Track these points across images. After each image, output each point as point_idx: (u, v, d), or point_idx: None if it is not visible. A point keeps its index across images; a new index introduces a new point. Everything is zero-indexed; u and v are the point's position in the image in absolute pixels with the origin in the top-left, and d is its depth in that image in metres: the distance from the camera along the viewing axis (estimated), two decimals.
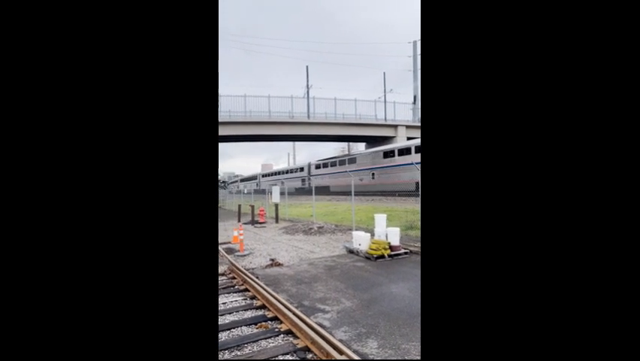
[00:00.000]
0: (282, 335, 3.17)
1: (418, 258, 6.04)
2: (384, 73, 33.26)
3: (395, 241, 6.34)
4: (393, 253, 6.14)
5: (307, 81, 31.09)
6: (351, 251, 6.74)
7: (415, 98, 31.95)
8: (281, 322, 3.42)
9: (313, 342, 2.83)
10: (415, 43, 33.04)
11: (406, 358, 2.62)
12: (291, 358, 2.78)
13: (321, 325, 3.28)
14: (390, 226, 6.87)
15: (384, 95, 31.39)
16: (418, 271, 5.14)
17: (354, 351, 2.76)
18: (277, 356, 2.78)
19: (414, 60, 33.00)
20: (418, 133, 28.65)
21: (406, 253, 6.31)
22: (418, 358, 2.65)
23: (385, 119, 30.02)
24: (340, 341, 2.93)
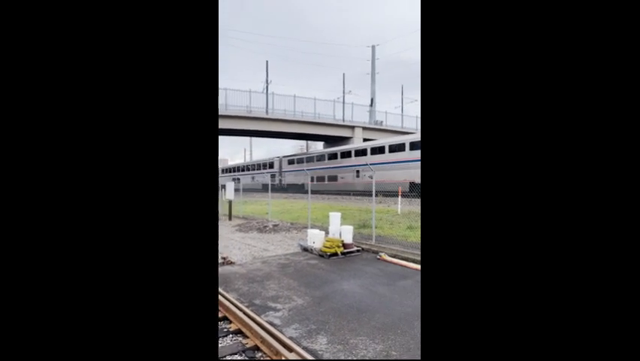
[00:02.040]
0: (230, 335, 3.09)
1: (370, 255, 6.26)
2: (343, 74, 33.88)
3: (348, 239, 6.51)
4: (346, 250, 6.29)
5: (267, 76, 30.60)
6: (305, 249, 6.78)
7: (372, 100, 32.97)
8: (230, 322, 3.33)
9: (263, 341, 2.80)
10: (373, 47, 34.07)
11: (404, 358, 2.65)
12: (239, 358, 2.73)
13: (271, 323, 3.26)
14: (345, 224, 7.03)
15: (343, 96, 31.99)
16: (369, 268, 5.34)
17: (304, 348, 2.79)
18: (225, 356, 2.71)
19: (372, 64, 34.02)
20: (374, 135, 29.65)
21: (358, 250, 6.51)
22: (376, 352, 2.75)
23: (343, 119, 30.60)
24: (290, 338, 2.94)
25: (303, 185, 27.17)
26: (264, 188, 29.46)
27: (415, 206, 13.11)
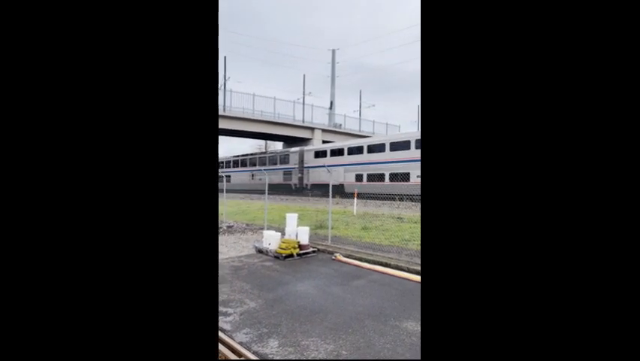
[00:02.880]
0: None
1: (325, 256, 6.32)
2: (303, 75, 33.98)
3: (304, 239, 6.50)
4: (302, 251, 6.28)
5: (225, 72, 29.63)
6: (260, 251, 6.65)
7: (331, 103, 33.46)
8: None
9: None
10: (333, 51, 34.64)
11: (402, 359, 2.65)
12: None
13: (221, 329, 3.14)
14: (302, 225, 7.02)
15: (303, 97, 32.06)
16: (325, 269, 5.38)
17: (254, 352, 2.72)
18: None
19: (332, 67, 34.56)
20: (332, 137, 30.10)
21: (314, 251, 6.53)
22: (336, 353, 2.76)
23: (303, 120, 30.67)
24: (240, 343, 2.85)
25: (341, 186, 19.86)
26: (274, 188, 23.97)
27: (370, 207, 13.51)
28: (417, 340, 2.96)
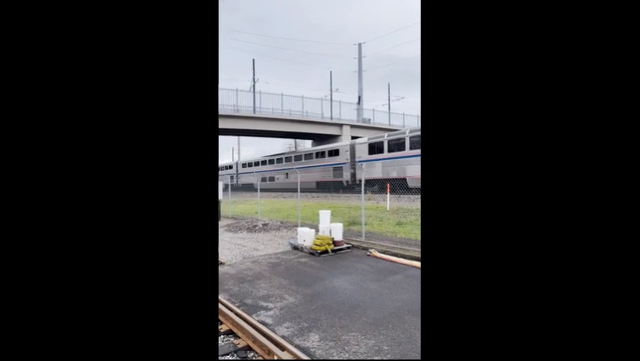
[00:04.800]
0: (222, 336, 3.07)
1: (360, 252, 6.30)
2: (330, 72, 33.91)
3: (338, 236, 6.53)
4: (336, 248, 6.32)
5: (253, 75, 30.31)
6: (295, 247, 6.78)
7: (359, 98, 33.11)
8: (221, 323, 3.30)
9: (255, 340, 2.79)
10: (359, 45, 34.18)
11: (404, 359, 2.65)
12: (231, 358, 2.71)
13: (263, 322, 3.25)
14: (335, 221, 7.05)
15: (331, 94, 32.00)
16: (360, 265, 5.37)
17: (296, 346, 2.79)
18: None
19: (359, 62, 34.14)
20: (361, 132, 29.80)
21: (348, 247, 6.54)
22: (389, 352, 2.77)
23: (331, 117, 30.64)
24: (282, 336, 2.93)
25: (403, 180, 17.13)
26: (323, 186, 22.21)
27: (403, 202, 13.25)
28: None
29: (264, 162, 32.51)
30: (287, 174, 27.34)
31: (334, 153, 23.36)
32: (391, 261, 5.54)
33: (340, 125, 30.12)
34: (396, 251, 5.95)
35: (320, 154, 24.95)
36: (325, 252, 6.16)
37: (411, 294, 3.98)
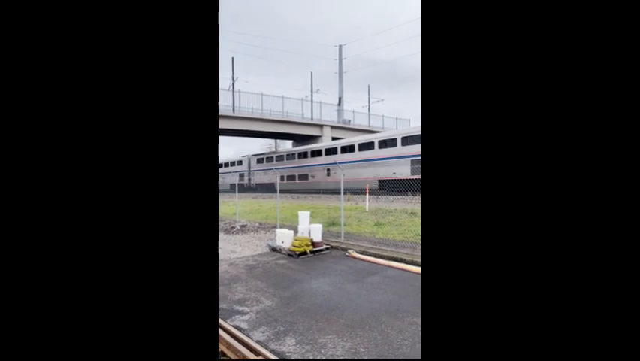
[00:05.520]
0: None
1: (339, 253, 6.29)
2: (311, 73, 33.87)
3: (317, 237, 6.50)
4: (315, 249, 6.28)
5: (232, 73, 29.81)
6: (274, 249, 6.68)
7: (339, 99, 33.29)
8: None
9: (228, 346, 2.70)
10: (340, 47, 34.40)
11: (402, 359, 2.63)
12: None
13: (238, 327, 3.15)
14: (314, 222, 7.01)
15: (312, 95, 32.00)
16: (338, 266, 5.36)
17: (272, 351, 2.72)
18: None
19: (339, 63, 34.35)
20: (342, 134, 29.98)
21: (327, 248, 6.52)
22: (358, 352, 2.74)
23: (312, 118, 30.63)
24: (257, 341, 2.86)
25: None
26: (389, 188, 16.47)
27: (382, 203, 13.42)
28: None
29: (291, 156, 26.06)
30: (328, 170, 20.82)
31: (391, 143, 18.33)
32: (369, 261, 5.56)
33: (321, 126, 30.18)
34: (374, 252, 5.98)
35: (383, 143, 18.82)
36: (304, 253, 6.11)
37: (388, 295, 4.00)
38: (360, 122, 33.76)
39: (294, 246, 6.23)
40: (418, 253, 5.69)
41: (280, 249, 6.47)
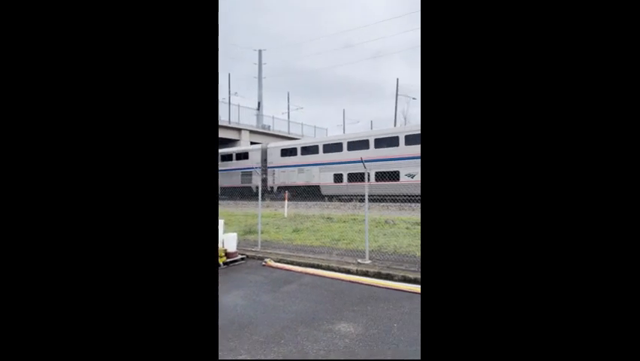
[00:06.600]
0: None
1: (255, 262, 6.01)
2: (229, 74, 32.58)
3: (232, 247, 6.10)
4: (229, 260, 5.88)
5: None
6: None
7: (259, 104, 32.79)
8: None
9: None
10: (260, 51, 34.04)
11: (402, 358, 2.54)
12: None
13: None
14: (229, 231, 6.58)
15: (229, 98, 30.73)
16: (254, 277, 5.09)
17: None
18: None
19: (259, 67, 33.92)
20: (261, 139, 29.48)
21: (242, 258, 6.17)
22: None
23: (229, 121, 29.39)
24: None
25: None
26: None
27: (301, 209, 13.52)
28: (350, 342, 2.93)
29: (336, 146, 17.09)
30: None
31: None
32: (287, 270, 5.44)
33: (239, 130, 29.16)
34: (292, 259, 5.88)
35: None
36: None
37: (305, 303, 3.93)
38: (279, 128, 33.78)
39: None
40: (334, 257, 5.81)
41: None
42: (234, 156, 22.06)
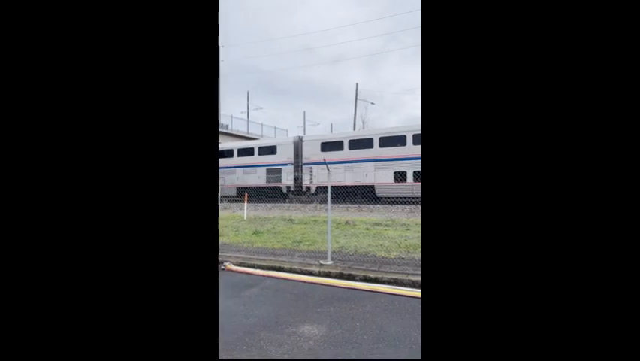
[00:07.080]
0: None
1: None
2: None
3: None
4: None
5: None
6: None
7: None
8: None
9: None
10: (220, 48, 32.92)
11: (402, 358, 2.51)
12: None
13: None
14: None
15: None
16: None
17: None
18: None
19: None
20: (220, 139, 28.44)
21: None
22: None
23: None
24: None
25: None
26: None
27: (260, 211, 13.28)
28: (314, 344, 2.93)
29: (399, 139, 15.43)
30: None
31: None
32: (248, 273, 5.30)
33: None
34: (252, 262, 5.75)
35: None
36: None
37: (267, 307, 3.86)
38: (238, 127, 32.90)
39: None
40: (296, 259, 5.78)
41: None
42: (257, 151, 19.15)
